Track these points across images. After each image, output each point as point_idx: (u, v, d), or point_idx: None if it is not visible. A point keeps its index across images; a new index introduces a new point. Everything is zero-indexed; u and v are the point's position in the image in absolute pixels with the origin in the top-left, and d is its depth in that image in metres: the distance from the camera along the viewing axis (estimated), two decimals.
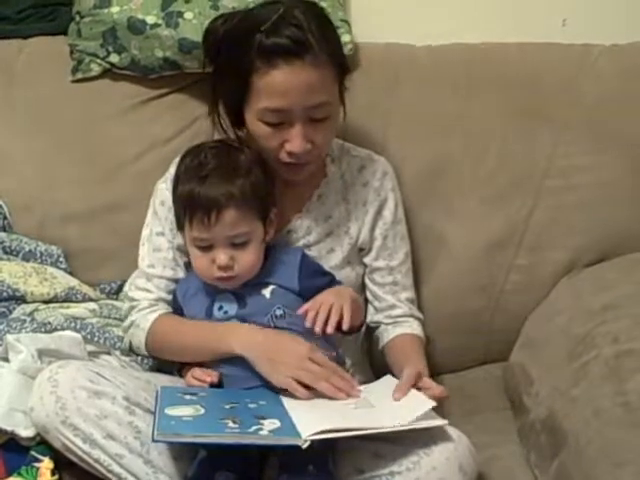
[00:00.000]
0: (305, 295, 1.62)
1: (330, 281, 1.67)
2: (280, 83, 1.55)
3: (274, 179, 1.65)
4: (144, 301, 1.70)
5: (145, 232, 1.75)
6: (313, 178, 1.74)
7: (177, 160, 1.71)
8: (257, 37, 1.56)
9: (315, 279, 1.65)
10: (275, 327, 1.59)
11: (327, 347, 1.59)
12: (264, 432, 1.39)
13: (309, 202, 1.75)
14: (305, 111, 1.58)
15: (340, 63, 1.63)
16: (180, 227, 1.63)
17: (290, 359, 1.52)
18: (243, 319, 1.60)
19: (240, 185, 1.56)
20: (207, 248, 1.58)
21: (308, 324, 1.53)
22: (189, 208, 1.57)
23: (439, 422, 1.45)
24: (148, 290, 1.71)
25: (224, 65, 1.65)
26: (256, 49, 1.55)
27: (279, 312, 1.60)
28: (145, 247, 1.74)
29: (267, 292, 1.62)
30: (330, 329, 1.53)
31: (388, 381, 1.61)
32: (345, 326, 1.54)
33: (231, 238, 1.57)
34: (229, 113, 1.68)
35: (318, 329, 1.53)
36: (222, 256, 1.57)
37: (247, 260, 1.59)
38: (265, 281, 1.62)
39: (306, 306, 1.56)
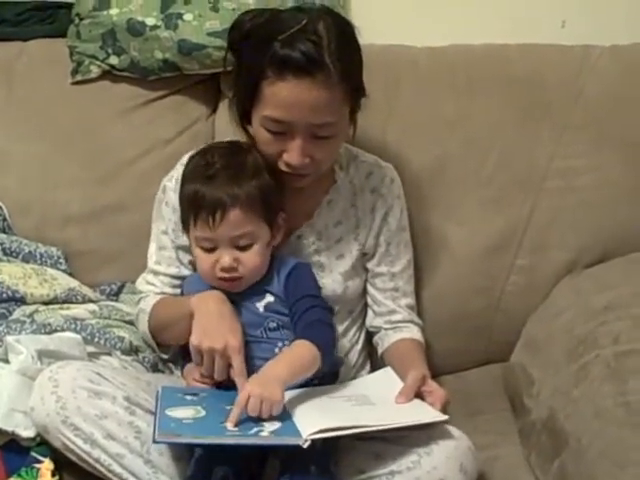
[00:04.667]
0: (289, 307, 1.60)
1: (307, 295, 1.60)
2: (286, 96, 1.53)
3: (283, 184, 1.64)
4: (150, 293, 1.73)
5: (153, 229, 1.75)
6: (322, 184, 1.73)
7: (184, 159, 1.71)
8: (273, 45, 1.53)
9: (294, 291, 1.61)
10: (268, 338, 1.59)
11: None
12: (265, 433, 1.39)
13: (319, 208, 1.74)
14: (308, 127, 1.55)
15: (355, 85, 1.59)
16: (185, 227, 1.62)
17: (214, 339, 1.51)
18: None
19: (246, 186, 1.55)
20: (211, 250, 1.57)
21: (229, 425, 1.40)
22: (194, 208, 1.56)
23: (440, 417, 1.45)
24: (154, 285, 1.74)
25: (242, 63, 1.63)
26: (269, 57, 1.53)
27: (272, 325, 1.60)
28: (153, 244, 1.75)
29: (261, 306, 1.60)
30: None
31: (387, 376, 1.62)
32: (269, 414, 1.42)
33: (235, 239, 1.56)
34: (239, 109, 1.66)
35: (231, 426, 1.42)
36: (226, 257, 1.56)
37: (251, 262, 1.57)
38: (263, 288, 1.61)
39: (235, 409, 1.42)
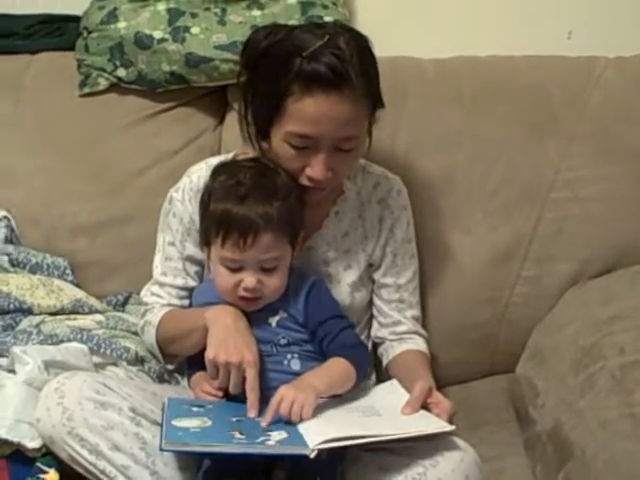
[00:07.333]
0: (309, 326, 1.61)
1: (334, 316, 1.62)
2: (313, 112, 1.53)
3: (302, 200, 1.62)
4: (156, 304, 1.74)
5: (159, 240, 1.76)
6: (330, 195, 1.72)
7: (191, 170, 1.73)
8: (297, 61, 1.53)
9: (320, 311, 1.61)
10: (277, 352, 1.59)
11: None
12: (271, 443, 1.40)
13: (327, 219, 1.74)
14: (333, 141, 1.56)
15: (375, 98, 1.61)
16: (206, 243, 1.61)
17: (231, 353, 1.52)
18: None
19: (278, 208, 1.54)
20: (236, 270, 1.56)
21: (264, 424, 1.44)
22: (223, 227, 1.54)
23: (447, 427, 1.44)
24: (160, 296, 1.74)
25: (259, 80, 1.62)
26: (295, 74, 1.53)
27: (283, 341, 1.60)
28: (158, 255, 1.75)
29: (273, 321, 1.60)
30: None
31: (394, 388, 1.62)
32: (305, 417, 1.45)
33: (263, 262, 1.55)
34: (256, 125, 1.66)
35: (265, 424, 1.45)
36: (251, 279, 1.55)
37: (274, 285, 1.57)
38: (275, 306, 1.61)
39: (269, 410, 1.46)
